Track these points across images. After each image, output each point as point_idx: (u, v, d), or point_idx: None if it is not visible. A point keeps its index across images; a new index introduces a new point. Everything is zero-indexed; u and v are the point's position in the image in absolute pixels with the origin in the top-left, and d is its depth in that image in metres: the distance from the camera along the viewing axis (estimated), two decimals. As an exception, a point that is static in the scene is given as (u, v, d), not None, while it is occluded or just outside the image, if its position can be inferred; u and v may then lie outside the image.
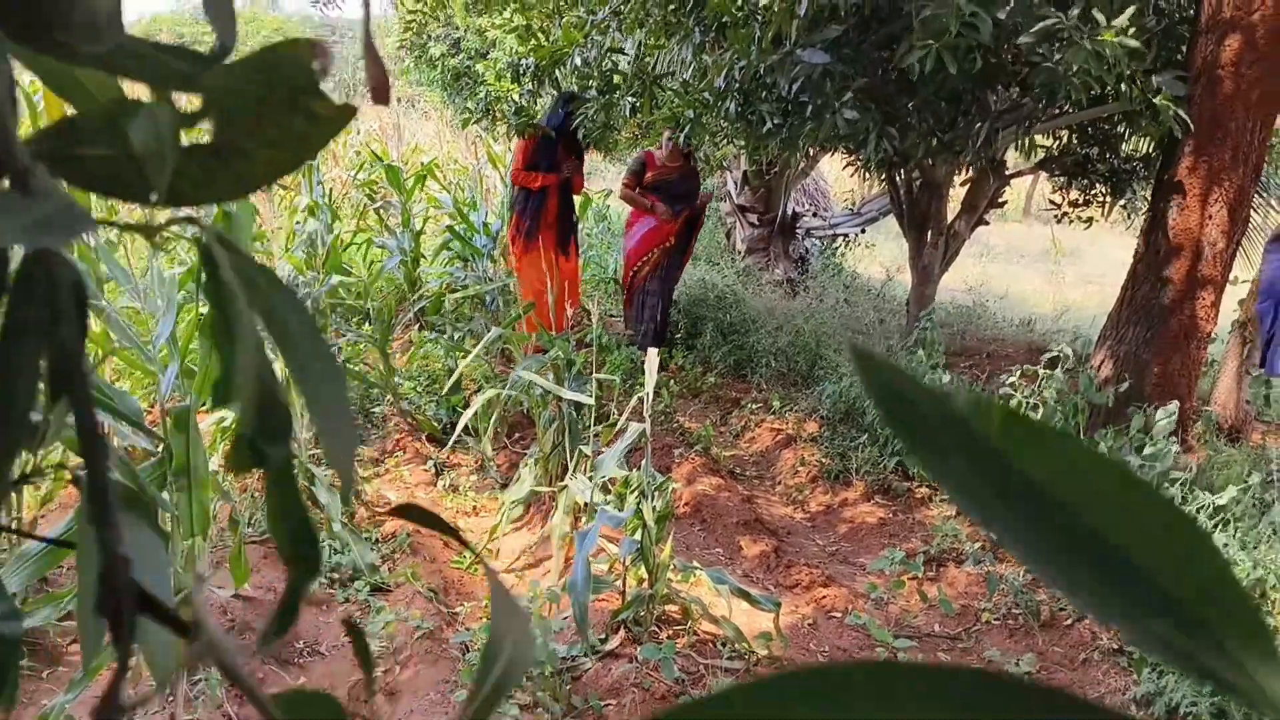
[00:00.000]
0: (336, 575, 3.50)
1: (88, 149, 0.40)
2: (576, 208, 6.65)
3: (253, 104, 0.40)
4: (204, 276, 0.41)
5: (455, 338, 5.54)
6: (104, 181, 0.41)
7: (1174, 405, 3.98)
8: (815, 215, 9.89)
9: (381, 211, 7.47)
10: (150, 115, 0.38)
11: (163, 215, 0.42)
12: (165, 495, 2.67)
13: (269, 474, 0.42)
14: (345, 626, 0.50)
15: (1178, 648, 0.27)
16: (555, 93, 6.13)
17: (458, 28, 8.05)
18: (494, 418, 4.64)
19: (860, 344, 0.31)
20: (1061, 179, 6.51)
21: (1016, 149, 5.30)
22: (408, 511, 0.52)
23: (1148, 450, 3.91)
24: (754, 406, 5.82)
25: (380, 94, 0.41)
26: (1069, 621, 3.47)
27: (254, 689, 0.36)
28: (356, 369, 5.13)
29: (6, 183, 0.38)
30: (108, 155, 0.40)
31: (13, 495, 2.75)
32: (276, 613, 0.43)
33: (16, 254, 0.39)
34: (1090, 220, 6.53)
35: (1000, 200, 6.61)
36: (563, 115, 5.94)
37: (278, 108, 0.40)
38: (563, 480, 3.76)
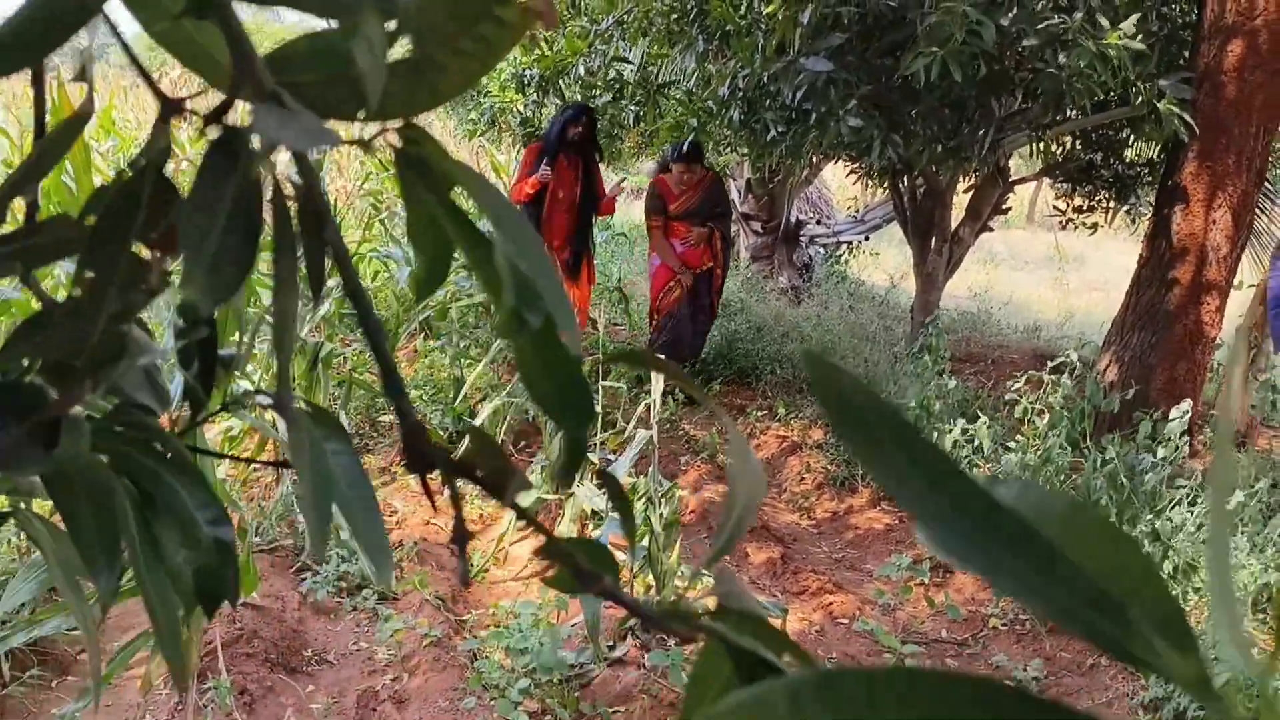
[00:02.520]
0: (344, 584, 3.50)
1: (300, 75, 0.44)
2: (594, 229, 6.09)
3: (445, 17, 0.44)
4: (408, 181, 0.45)
5: (461, 346, 5.55)
6: (316, 103, 0.45)
7: (1187, 404, 3.97)
8: (819, 223, 9.91)
9: (386, 222, 7.48)
10: (366, 37, 0.41)
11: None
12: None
13: (529, 338, 0.45)
14: (599, 475, 0.56)
15: (1106, 634, 0.30)
16: (560, 102, 6.12)
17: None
18: (501, 426, 4.64)
19: (811, 349, 0.33)
20: (1065, 185, 6.52)
21: (1031, 154, 5.30)
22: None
23: (1160, 452, 3.91)
24: (759, 414, 5.82)
25: (549, 19, 0.45)
26: (1077, 627, 3.47)
27: (546, 530, 0.44)
28: (363, 378, 5.14)
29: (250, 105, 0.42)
30: (318, 79, 0.44)
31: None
32: (563, 461, 0.49)
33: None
34: (1094, 226, 6.54)
35: (1004, 207, 6.62)
36: (559, 127, 5.43)
37: (468, 18, 0.44)
38: (569, 488, 3.76)
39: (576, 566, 0.43)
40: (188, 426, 0.72)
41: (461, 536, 0.42)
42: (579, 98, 5.93)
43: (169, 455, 0.55)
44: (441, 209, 0.45)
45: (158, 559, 0.53)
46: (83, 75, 0.55)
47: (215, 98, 0.48)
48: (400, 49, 0.44)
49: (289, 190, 0.44)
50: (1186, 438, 3.97)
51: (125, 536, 0.52)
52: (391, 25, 0.43)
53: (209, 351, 0.75)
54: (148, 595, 0.52)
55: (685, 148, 5.65)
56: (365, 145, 0.44)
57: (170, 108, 0.46)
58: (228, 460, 3.43)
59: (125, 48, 0.49)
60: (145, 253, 0.47)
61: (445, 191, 0.45)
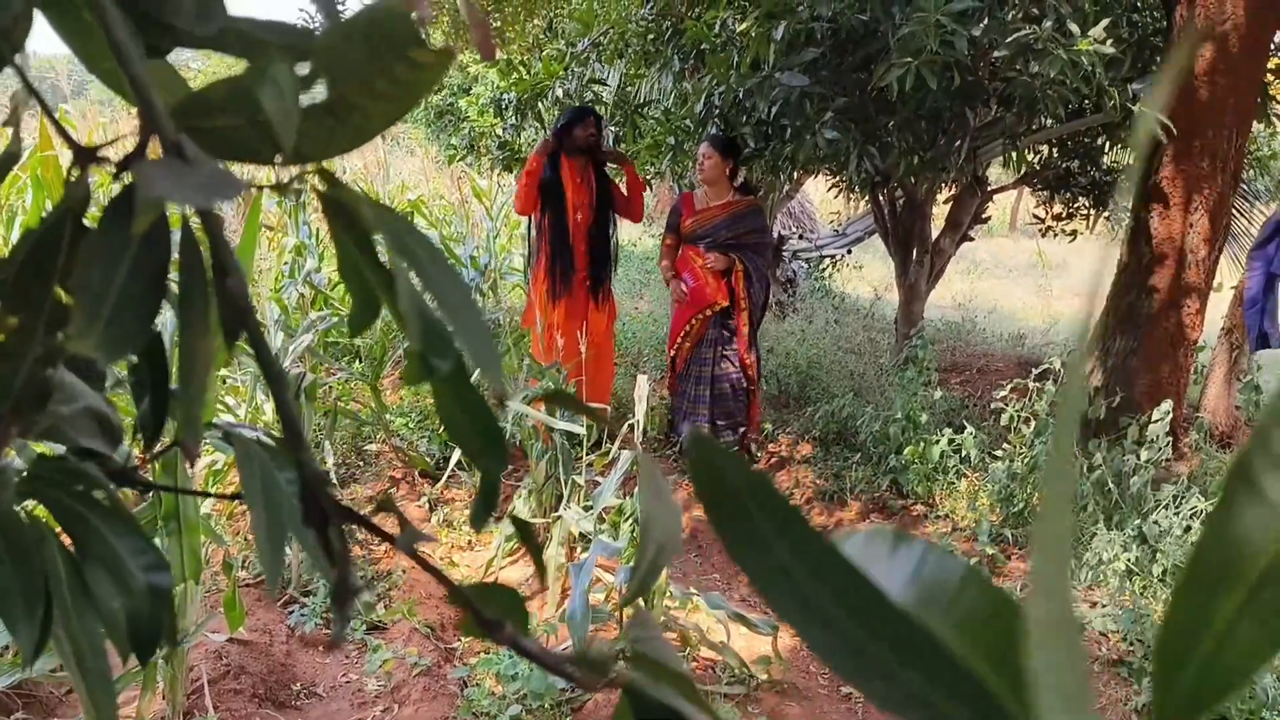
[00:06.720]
0: (332, 615, 3.47)
1: (216, 120, 0.44)
2: (616, 243, 5.34)
3: (360, 60, 0.43)
4: (333, 225, 0.46)
5: (446, 372, 5.51)
6: (233, 148, 0.45)
7: (1168, 404, 3.98)
8: (802, 237, 9.95)
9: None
10: (275, 81, 0.40)
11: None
12: (156, 541, 2.65)
13: (442, 383, 0.46)
14: (512, 521, 0.55)
15: None
16: (540, 126, 6.12)
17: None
18: (487, 451, 4.61)
19: (698, 431, 0.32)
20: (1044, 193, 6.56)
21: (1004, 164, 5.34)
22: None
23: (1144, 455, 3.91)
24: (747, 430, 5.81)
25: (487, 50, 0.44)
26: (1069, 634, 3.46)
27: (446, 578, 0.44)
28: (348, 407, 5.12)
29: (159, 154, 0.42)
30: (235, 124, 0.44)
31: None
32: (479, 502, 0.50)
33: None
34: (1074, 233, 6.57)
35: (984, 216, 6.64)
36: (560, 128, 4.93)
37: (383, 60, 0.43)
38: (557, 511, 3.74)
39: (478, 614, 0.42)
40: (142, 463, 0.71)
41: (344, 592, 0.41)
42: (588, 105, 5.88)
43: (104, 500, 0.55)
44: (358, 252, 0.45)
45: (89, 608, 0.52)
46: (14, 118, 0.55)
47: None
48: (319, 91, 0.44)
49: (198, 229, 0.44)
50: (1170, 440, 3.98)
51: (53, 586, 0.51)
52: (305, 69, 0.43)
53: (160, 387, 0.74)
54: (77, 645, 0.51)
55: (714, 131, 5.01)
56: (282, 189, 0.44)
57: (85, 156, 0.45)
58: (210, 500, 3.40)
59: (32, 90, 0.49)
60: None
61: (362, 234, 0.45)
